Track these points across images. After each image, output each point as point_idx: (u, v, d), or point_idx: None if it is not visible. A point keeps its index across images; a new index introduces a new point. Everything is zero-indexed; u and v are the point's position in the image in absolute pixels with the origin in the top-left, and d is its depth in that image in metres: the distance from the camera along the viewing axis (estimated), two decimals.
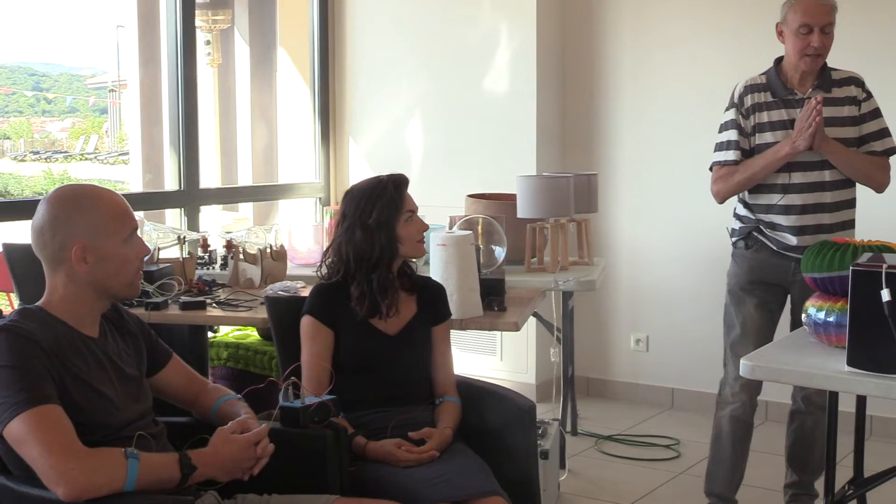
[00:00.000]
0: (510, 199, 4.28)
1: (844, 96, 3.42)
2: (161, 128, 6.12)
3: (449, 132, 5.59)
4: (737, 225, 3.57)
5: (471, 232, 3.46)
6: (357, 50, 5.84)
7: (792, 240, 3.39)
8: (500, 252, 3.87)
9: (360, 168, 5.80)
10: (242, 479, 2.24)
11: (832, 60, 3.44)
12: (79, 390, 2.12)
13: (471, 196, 4.44)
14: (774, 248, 3.43)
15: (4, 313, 2.31)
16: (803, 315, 2.68)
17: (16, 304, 5.18)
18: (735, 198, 3.55)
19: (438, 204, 4.42)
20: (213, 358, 4.33)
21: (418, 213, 2.92)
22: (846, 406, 2.82)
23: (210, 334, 4.23)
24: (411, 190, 2.92)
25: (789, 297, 3.52)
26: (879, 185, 3.47)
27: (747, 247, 3.51)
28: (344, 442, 2.49)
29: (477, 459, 2.71)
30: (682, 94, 5.12)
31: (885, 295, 2.25)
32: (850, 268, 2.34)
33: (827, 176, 3.38)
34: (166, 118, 5.19)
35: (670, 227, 5.23)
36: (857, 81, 3.45)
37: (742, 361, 2.60)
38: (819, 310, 2.61)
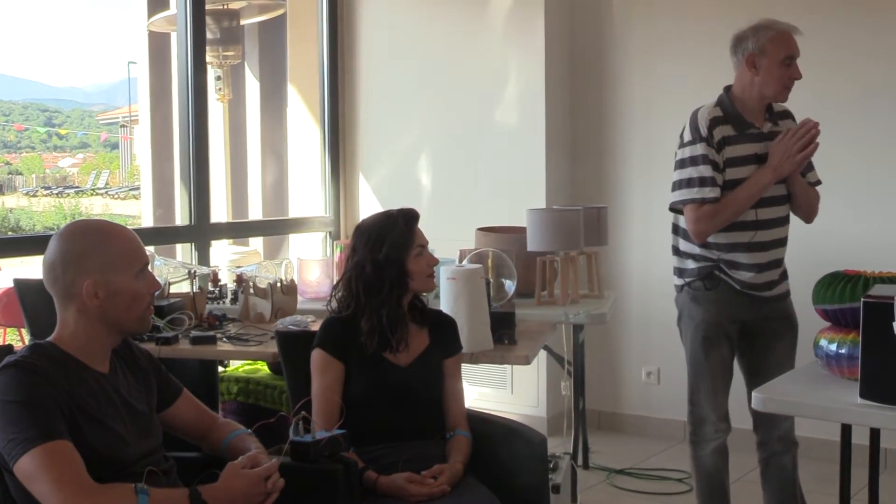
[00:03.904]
0: (520, 232, 4.28)
1: (788, 129, 3.37)
2: (172, 163, 6.16)
3: (458, 166, 5.61)
4: (689, 264, 3.44)
5: (481, 265, 3.46)
6: (367, 85, 5.88)
7: (754, 277, 3.35)
8: (510, 285, 3.87)
9: (369, 202, 5.82)
10: None
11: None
12: (89, 426, 2.12)
13: (481, 229, 4.45)
14: (738, 287, 3.36)
15: (16, 349, 2.31)
16: (815, 347, 2.67)
17: (27, 339, 5.19)
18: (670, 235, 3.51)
19: (448, 237, 4.42)
20: (224, 392, 4.32)
21: (428, 247, 2.92)
22: (859, 439, 2.80)
23: (220, 369, 4.23)
24: (421, 224, 2.92)
25: (744, 332, 3.46)
26: (813, 215, 3.48)
27: (707, 288, 3.40)
28: (355, 477, 2.48)
29: (488, 494, 2.69)
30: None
31: None
32: (862, 300, 2.33)
33: (783, 211, 3.40)
34: (177, 153, 5.22)
35: None
36: (791, 115, 3.45)
37: (754, 394, 2.58)
38: (831, 342, 2.60)
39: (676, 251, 3.49)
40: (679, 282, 3.50)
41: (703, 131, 3.30)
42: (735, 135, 3.32)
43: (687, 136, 3.35)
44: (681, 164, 3.35)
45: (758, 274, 3.36)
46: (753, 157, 3.32)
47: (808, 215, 3.48)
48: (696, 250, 3.41)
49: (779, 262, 3.43)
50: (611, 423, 5.51)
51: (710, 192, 3.28)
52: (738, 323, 3.43)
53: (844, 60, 4.76)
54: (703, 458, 3.50)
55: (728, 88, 3.40)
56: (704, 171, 3.28)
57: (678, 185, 3.35)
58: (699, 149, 3.30)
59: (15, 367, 2.08)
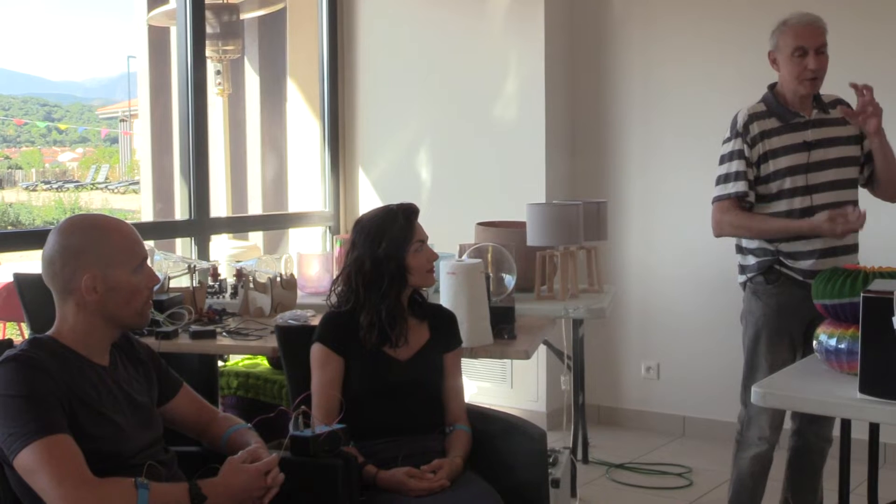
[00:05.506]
0: (520, 226, 4.28)
1: (842, 116, 3.39)
2: (172, 157, 6.16)
3: (458, 161, 5.60)
4: (750, 260, 3.44)
5: (480, 260, 3.45)
6: (366, 79, 5.87)
7: (815, 264, 3.29)
8: (509, 280, 3.87)
9: (369, 197, 5.82)
10: None
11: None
12: (89, 419, 2.12)
13: (480, 224, 4.45)
14: (800, 278, 3.32)
15: (15, 343, 2.31)
16: (814, 342, 2.67)
17: (26, 333, 5.19)
18: None
19: (448, 232, 4.42)
20: (224, 387, 4.32)
21: (428, 242, 2.92)
22: (859, 433, 2.80)
23: (220, 363, 4.23)
24: (421, 219, 2.92)
25: (810, 334, 3.40)
26: None
27: (768, 282, 3.38)
28: (354, 471, 2.48)
29: (488, 488, 2.69)
30: (692, 122, 5.13)
31: None
32: (861, 294, 2.33)
33: (847, 196, 3.34)
34: (177, 148, 5.21)
35: (680, 254, 5.22)
36: (844, 102, 3.43)
37: (753, 389, 2.57)
38: (830, 336, 2.60)
39: (739, 249, 3.51)
40: (742, 278, 3.50)
41: (739, 126, 3.39)
42: (779, 126, 3.36)
43: (727, 134, 3.43)
44: (720, 160, 3.44)
45: (819, 260, 3.30)
46: (802, 145, 3.35)
47: (894, 192, 3.42)
48: (755, 244, 3.41)
49: (846, 249, 3.35)
50: (610, 417, 5.51)
51: (740, 186, 3.35)
52: (803, 323, 3.34)
53: (843, 50, 4.74)
54: (742, 460, 3.47)
55: (773, 86, 3.45)
56: (737, 165, 3.37)
57: (715, 182, 3.45)
58: (734, 144, 3.39)
59: (14, 361, 2.08)
